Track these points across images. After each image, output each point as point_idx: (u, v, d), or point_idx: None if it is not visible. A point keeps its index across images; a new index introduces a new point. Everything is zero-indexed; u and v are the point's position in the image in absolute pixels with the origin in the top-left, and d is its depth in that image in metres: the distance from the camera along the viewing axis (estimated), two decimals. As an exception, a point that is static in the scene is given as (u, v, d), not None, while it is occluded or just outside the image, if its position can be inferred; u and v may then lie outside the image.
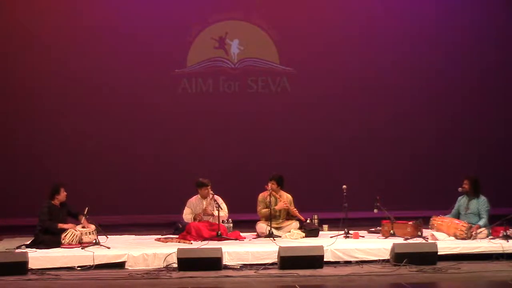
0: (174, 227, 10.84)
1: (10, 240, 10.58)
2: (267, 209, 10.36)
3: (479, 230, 9.74)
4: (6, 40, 12.65)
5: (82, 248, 9.10)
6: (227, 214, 10.39)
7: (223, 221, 10.44)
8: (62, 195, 9.82)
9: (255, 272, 8.46)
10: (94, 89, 12.71)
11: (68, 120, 12.66)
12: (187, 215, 10.36)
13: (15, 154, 12.55)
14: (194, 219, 10.31)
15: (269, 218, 10.24)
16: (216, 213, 10.15)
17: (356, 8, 13.16)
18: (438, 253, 8.87)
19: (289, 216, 10.58)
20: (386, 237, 9.98)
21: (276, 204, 10.48)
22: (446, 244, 9.26)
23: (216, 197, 10.30)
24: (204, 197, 10.38)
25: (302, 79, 13.05)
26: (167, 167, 12.65)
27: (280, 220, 10.49)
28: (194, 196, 10.45)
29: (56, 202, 9.79)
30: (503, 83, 13.31)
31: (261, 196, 10.58)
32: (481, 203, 10.01)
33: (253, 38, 13.04)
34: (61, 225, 9.57)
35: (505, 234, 9.59)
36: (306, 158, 12.89)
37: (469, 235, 9.57)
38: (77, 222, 9.78)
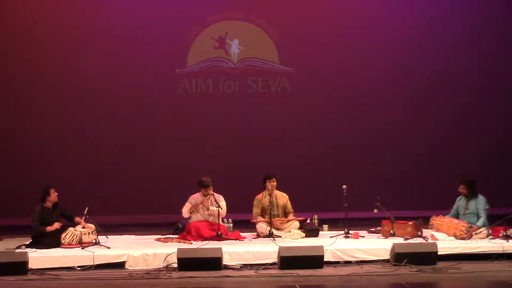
0: (174, 227, 10.84)
1: (10, 240, 10.58)
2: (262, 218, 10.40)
3: (478, 230, 9.74)
4: (6, 40, 12.66)
5: (82, 248, 9.10)
6: (225, 213, 10.35)
7: (223, 221, 10.45)
8: (53, 196, 9.79)
9: (255, 272, 8.46)
10: (95, 89, 12.71)
11: (68, 120, 12.67)
12: (185, 208, 10.33)
13: (15, 154, 12.55)
14: (191, 212, 10.30)
15: (270, 219, 10.25)
16: (213, 208, 10.15)
17: (356, 8, 13.16)
18: (438, 253, 8.87)
19: (286, 215, 10.61)
20: (386, 237, 9.98)
21: (276, 205, 10.49)
22: (446, 244, 9.26)
23: (217, 195, 10.29)
24: (205, 196, 10.37)
25: (302, 79, 13.05)
26: (167, 167, 12.66)
27: (279, 219, 10.47)
28: (197, 193, 10.45)
29: (48, 204, 9.77)
30: (503, 83, 13.31)
31: (256, 200, 10.60)
32: (479, 203, 10.00)
33: (253, 38, 13.04)
34: (49, 228, 9.53)
35: (505, 234, 9.59)
36: (306, 158, 12.88)
37: (468, 236, 9.57)
38: (72, 224, 9.74)
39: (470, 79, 13.23)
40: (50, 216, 9.71)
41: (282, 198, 10.66)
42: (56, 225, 9.61)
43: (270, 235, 10.02)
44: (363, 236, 10.21)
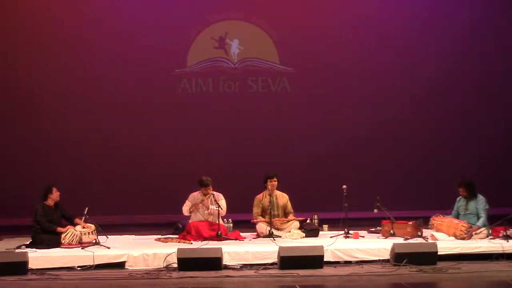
0: (174, 227, 10.84)
1: (10, 240, 10.57)
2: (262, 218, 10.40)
3: (478, 230, 9.74)
4: (6, 40, 12.67)
5: (82, 248, 9.10)
6: (225, 212, 10.34)
7: (223, 220, 10.45)
8: (55, 194, 9.76)
9: (255, 272, 8.45)
10: (94, 89, 12.73)
11: (68, 120, 12.68)
12: (185, 207, 10.34)
13: (15, 154, 12.56)
14: (191, 211, 10.30)
15: (270, 219, 10.25)
16: (213, 207, 10.15)
17: (356, 8, 13.17)
18: (438, 253, 8.86)
19: (287, 215, 10.61)
20: (386, 237, 9.98)
21: (276, 205, 10.49)
22: (446, 244, 9.26)
23: (216, 194, 10.28)
24: (205, 195, 10.36)
25: (302, 79, 13.06)
26: (167, 167, 12.66)
27: (279, 219, 10.47)
28: (197, 192, 10.44)
29: (49, 202, 9.74)
30: (503, 83, 13.32)
31: (256, 200, 10.59)
32: (479, 203, 9.99)
33: (253, 38, 13.05)
34: (59, 229, 9.51)
35: (505, 234, 9.59)
36: (306, 158, 12.90)
37: (468, 236, 9.57)
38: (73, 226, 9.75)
39: (470, 79, 13.24)
40: (52, 215, 9.69)
41: (283, 198, 10.66)
42: (69, 227, 9.56)
43: (270, 235, 10.01)
44: (363, 236, 10.21)
